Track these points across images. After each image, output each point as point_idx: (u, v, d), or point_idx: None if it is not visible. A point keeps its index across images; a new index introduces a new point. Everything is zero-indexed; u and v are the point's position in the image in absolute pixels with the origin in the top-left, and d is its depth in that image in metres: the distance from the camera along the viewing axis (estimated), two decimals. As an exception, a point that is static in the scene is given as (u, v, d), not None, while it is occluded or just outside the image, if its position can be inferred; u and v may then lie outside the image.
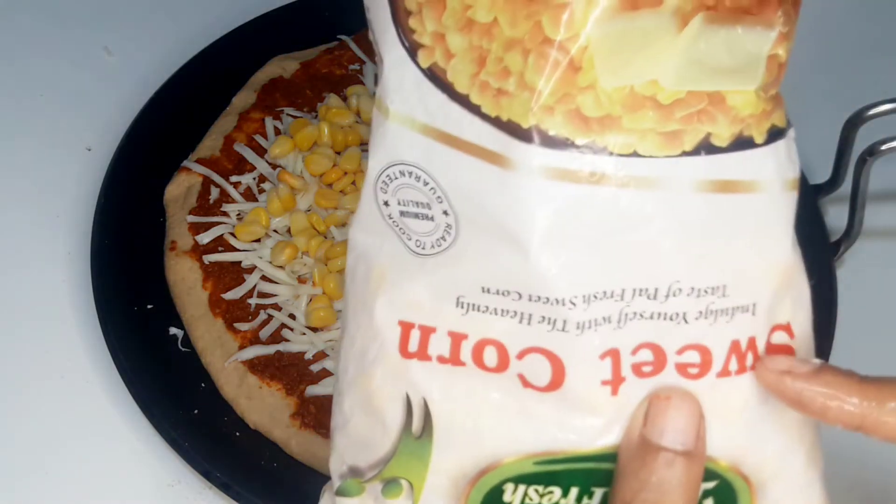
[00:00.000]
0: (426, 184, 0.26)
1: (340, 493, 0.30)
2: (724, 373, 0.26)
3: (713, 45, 0.24)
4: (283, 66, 0.65)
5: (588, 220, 0.24)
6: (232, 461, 0.48)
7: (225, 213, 0.57)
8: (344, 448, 0.30)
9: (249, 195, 0.58)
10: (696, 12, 0.24)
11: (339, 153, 0.59)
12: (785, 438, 0.28)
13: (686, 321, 0.26)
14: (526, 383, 0.26)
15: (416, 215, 0.27)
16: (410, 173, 0.26)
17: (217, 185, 0.58)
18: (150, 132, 0.60)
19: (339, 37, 0.67)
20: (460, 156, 0.25)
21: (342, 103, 0.62)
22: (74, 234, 0.59)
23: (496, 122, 0.25)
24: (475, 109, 0.25)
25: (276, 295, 0.54)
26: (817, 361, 0.26)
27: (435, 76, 0.26)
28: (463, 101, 0.25)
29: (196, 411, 0.50)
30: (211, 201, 0.57)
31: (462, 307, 0.26)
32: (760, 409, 0.27)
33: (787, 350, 0.27)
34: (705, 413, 0.26)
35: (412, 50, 0.26)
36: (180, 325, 0.53)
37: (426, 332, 0.27)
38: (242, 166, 0.59)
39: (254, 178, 0.58)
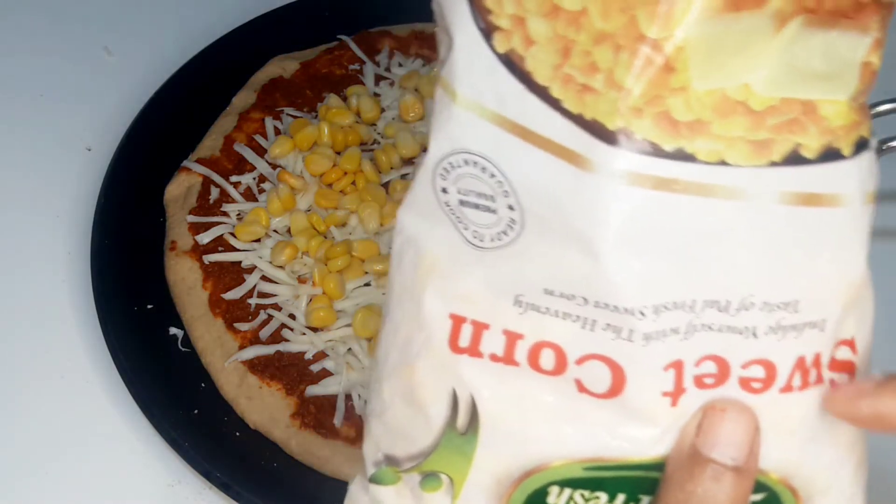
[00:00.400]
0: (493, 176, 0.25)
1: (375, 480, 0.29)
2: (787, 388, 0.25)
3: (808, 50, 0.23)
4: (283, 66, 0.65)
5: (667, 229, 0.23)
6: (232, 461, 0.48)
7: (225, 213, 0.57)
8: (380, 435, 0.29)
9: (249, 195, 0.58)
10: (796, 15, 0.23)
11: (339, 153, 0.59)
12: (837, 451, 0.27)
13: (755, 336, 0.25)
14: (582, 388, 0.25)
15: (478, 206, 0.25)
16: (476, 163, 0.25)
17: (217, 185, 0.58)
18: (150, 132, 0.60)
19: (339, 37, 0.67)
20: (534, 150, 0.24)
21: (342, 103, 0.62)
22: (74, 234, 0.59)
23: (578, 120, 0.23)
24: (555, 104, 0.23)
25: (276, 295, 0.54)
26: (878, 375, 0.25)
27: (511, 63, 0.24)
28: (542, 93, 0.24)
29: (196, 411, 0.50)
30: (211, 201, 0.57)
31: (520, 306, 0.25)
32: (817, 424, 0.26)
33: (849, 366, 0.26)
34: (762, 427, 0.26)
35: (487, 32, 0.24)
36: (180, 325, 0.53)
37: (479, 328, 0.26)
38: (242, 166, 0.59)
39: (254, 178, 0.58)
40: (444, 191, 0.26)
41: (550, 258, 0.25)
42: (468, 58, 0.24)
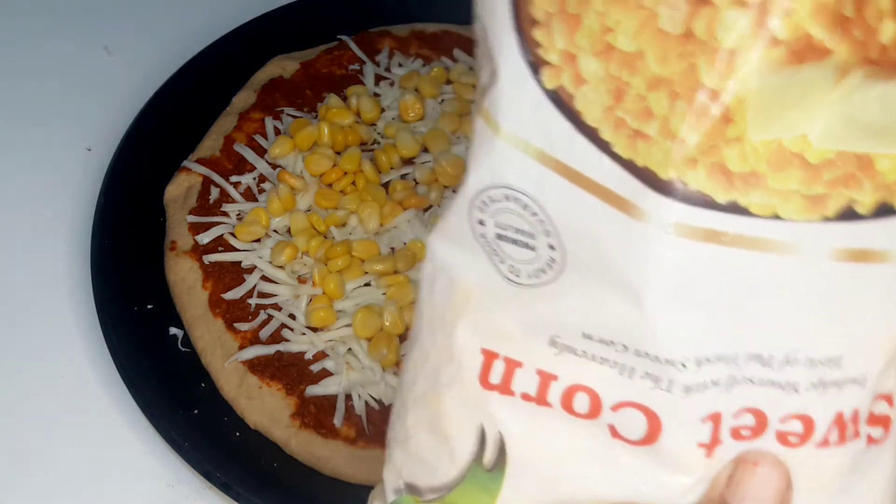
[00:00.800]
0: (534, 214, 0.24)
1: None
2: (824, 443, 0.25)
3: (867, 101, 0.22)
4: (283, 66, 0.65)
5: (715, 282, 0.23)
6: (232, 461, 0.48)
7: (225, 213, 0.57)
8: (402, 463, 0.29)
9: (249, 195, 0.58)
10: (859, 66, 0.22)
11: (339, 153, 0.59)
12: (869, 501, 0.27)
13: (796, 391, 0.24)
14: (615, 434, 0.25)
15: (516, 242, 0.25)
16: (517, 200, 0.24)
17: (217, 185, 0.58)
18: (150, 132, 0.60)
19: (339, 37, 0.67)
20: (580, 193, 0.23)
21: (342, 103, 0.62)
22: (74, 234, 0.59)
23: (628, 166, 0.22)
24: (605, 147, 0.23)
25: (276, 295, 0.54)
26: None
27: (560, 101, 0.23)
28: (591, 134, 0.23)
29: (196, 411, 0.50)
30: (211, 201, 0.57)
31: (556, 347, 0.25)
32: (851, 476, 0.26)
33: (885, 420, 0.26)
34: (795, 481, 0.25)
35: (535, 66, 0.23)
36: (180, 325, 0.53)
37: (512, 365, 0.25)
38: (242, 166, 0.59)
39: (254, 178, 0.59)
40: (481, 223, 0.25)
41: (591, 302, 0.24)
42: (514, 91, 0.24)
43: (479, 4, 0.24)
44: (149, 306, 0.54)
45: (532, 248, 0.25)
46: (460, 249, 0.26)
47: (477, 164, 0.25)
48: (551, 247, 0.24)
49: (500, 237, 0.25)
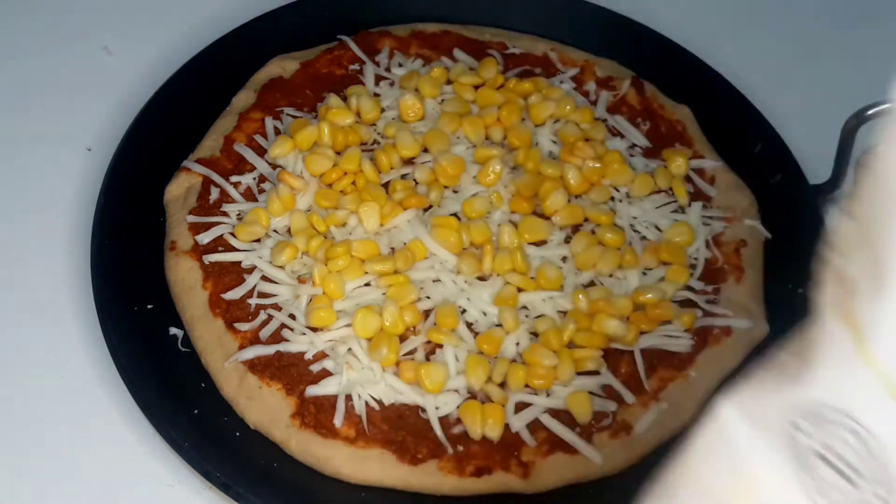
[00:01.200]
0: (876, 460, 0.22)
1: None
2: None
3: None
4: (283, 66, 0.65)
5: None
6: (232, 461, 0.48)
7: (225, 213, 0.57)
8: None
9: (249, 195, 0.58)
10: None
11: (339, 153, 0.59)
12: None
13: None
14: None
15: (836, 469, 0.22)
16: (861, 437, 0.22)
17: (217, 185, 0.58)
18: (150, 132, 0.60)
19: (339, 37, 0.67)
20: None
21: (342, 103, 0.62)
22: (74, 234, 0.59)
23: None
24: None
25: (276, 295, 0.53)
26: None
27: None
28: None
29: (196, 411, 0.50)
30: (211, 201, 0.57)
31: None
32: None
33: None
34: None
35: None
36: (180, 325, 0.53)
37: None
38: (242, 166, 0.59)
39: (254, 178, 0.59)
40: (800, 429, 0.23)
41: None
42: None
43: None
44: (149, 306, 0.54)
45: (854, 486, 0.22)
46: (759, 434, 0.24)
47: (824, 371, 0.22)
48: (880, 498, 0.22)
49: (820, 457, 0.23)
